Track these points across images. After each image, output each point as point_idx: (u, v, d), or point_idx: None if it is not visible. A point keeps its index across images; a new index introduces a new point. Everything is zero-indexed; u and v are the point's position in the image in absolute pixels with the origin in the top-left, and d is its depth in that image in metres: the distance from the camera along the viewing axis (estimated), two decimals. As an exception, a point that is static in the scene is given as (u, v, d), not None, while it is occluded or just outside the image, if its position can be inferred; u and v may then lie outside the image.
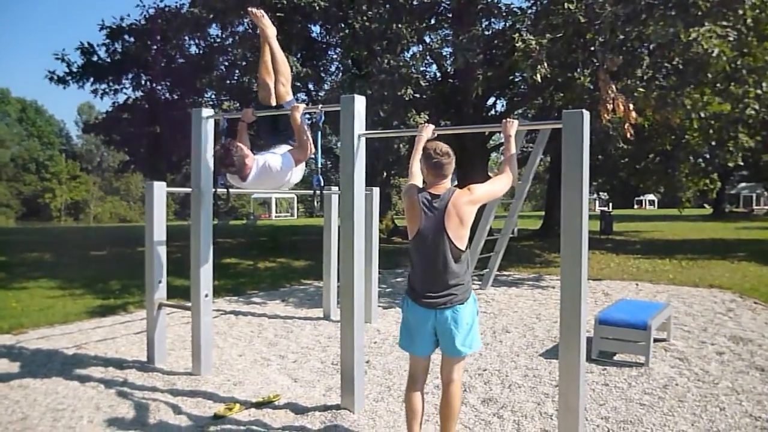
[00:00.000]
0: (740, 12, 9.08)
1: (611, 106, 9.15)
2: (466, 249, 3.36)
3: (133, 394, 4.66)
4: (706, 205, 52.86)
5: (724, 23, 9.08)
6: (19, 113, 65.17)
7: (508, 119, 3.76)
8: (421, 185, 3.51)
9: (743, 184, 54.54)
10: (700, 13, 8.93)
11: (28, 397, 4.60)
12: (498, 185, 3.50)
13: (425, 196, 3.36)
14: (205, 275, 5.09)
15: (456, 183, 3.98)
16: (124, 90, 18.71)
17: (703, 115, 10.43)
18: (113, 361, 5.65)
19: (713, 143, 14.45)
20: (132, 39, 17.66)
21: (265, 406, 4.41)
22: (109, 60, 17.89)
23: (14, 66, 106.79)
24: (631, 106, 9.35)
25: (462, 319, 3.33)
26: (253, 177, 4.37)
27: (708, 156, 17.35)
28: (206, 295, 5.10)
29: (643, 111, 10.20)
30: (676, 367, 5.37)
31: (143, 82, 18.63)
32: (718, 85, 10.52)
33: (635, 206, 68.44)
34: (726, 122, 12.60)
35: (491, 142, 17.97)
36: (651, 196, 64.02)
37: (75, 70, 17.81)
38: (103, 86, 18.32)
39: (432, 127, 3.99)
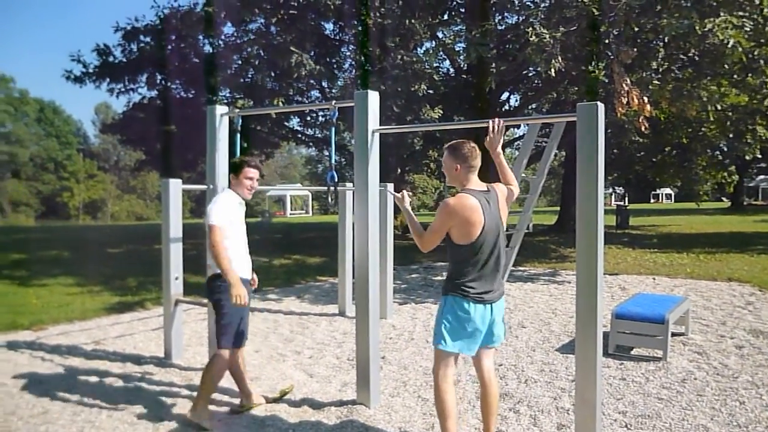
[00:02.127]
0: (756, 1, 8.95)
1: (626, 99, 9.07)
2: None
3: (150, 389, 4.71)
4: (723, 198, 52.24)
5: (740, 13, 8.96)
6: (37, 113, 65.81)
7: (494, 119, 3.60)
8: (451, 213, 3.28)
9: (762, 177, 53.71)
10: (715, 4, 8.83)
11: (49, 391, 4.67)
12: (511, 195, 3.65)
13: (476, 197, 3.28)
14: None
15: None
16: (140, 89, 18.86)
17: (719, 107, 10.31)
18: (131, 357, 5.72)
19: (730, 135, 14.30)
20: (147, 39, 17.77)
21: (282, 401, 4.43)
22: (124, 60, 18.02)
23: (33, 67, 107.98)
24: (646, 99, 9.26)
25: (503, 306, 3.54)
26: None
27: (725, 148, 17.17)
28: (254, 290, 5.12)
29: (658, 103, 10.10)
30: (695, 361, 5.33)
31: (158, 81, 18.74)
32: (735, 76, 10.40)
33: (652, 200, 67.79)
34: (743, 114, 12.46)
35: (503, 138, 17.87)
36: (668, 190, 63.31)
37: (91, 70, 17.97)
38: (120, 86, 18.47)
39: (405, 193, 3.74)
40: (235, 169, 4.17)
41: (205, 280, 4.15)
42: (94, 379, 5.01)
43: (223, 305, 3.96)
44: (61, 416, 4.16)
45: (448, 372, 3.43)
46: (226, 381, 4.90)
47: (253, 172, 4.17)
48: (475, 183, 3.39)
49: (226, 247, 3.89)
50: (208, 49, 17.21)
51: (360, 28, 13.48)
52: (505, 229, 3.48)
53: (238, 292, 3.85)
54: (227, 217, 3.99)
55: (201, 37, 16.48)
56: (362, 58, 14.01)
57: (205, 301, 5.36)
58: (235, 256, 4.01)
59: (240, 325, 4.07)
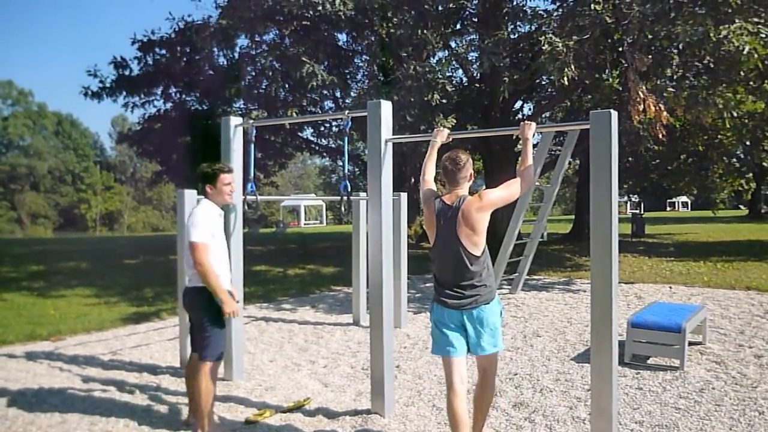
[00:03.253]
0: (772, 8, 8.91)
1: (642, 106, 9.03)
2: (483, 254, 3.41)
3: (166, 399, 4.74)
4: (741, 206, 51.61)
5: (756, 20, 8.91)
6: (55, 126, 66.79)
7: (525, 122, 3.76)
8: (435, 190, 3.64)
9: (780, 184, 53.04)
10: (730, 10, 8.79)
11: (66, 401, 4.72)
12: (511, 189, 3.51)
13: (439, 205, 3.46)
14: (236, 282, 5.15)
15: (484, 186, 3.98)
16: (155, 102, 19.10)
17: (735, 114, 10.24)
18: (147, 367, 5.76)
19: (747, 142, 14.17)
20: (163, 51, 18.01)
21: (297, 410, 4.44)
22: (140, 73, 18.27)
23: (51, 81, 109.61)
24: (662, 106, 9.22)
25: (487, 319, 3.39)
26: None
27: (742, 156, 17.00)
28: (237, 302, 5.15)
29: (674, 111, 10.05)
30: (713, 371, 5.26)
31: (173, 93, 18.97)
32: (751, 83, 10.33)
33: (668, 208, 67.15)
34: (760, 120, 12.35)
35: (519, 145, 17.85)
36: (684, 198, 62.71)
37: (108, 84, 18.22)
38: (135, 99, 18.71)
39: (446, 131, 3.98)
40: (210, 179, 4.02)
41: (186, 289, 4.01)
42: (111, 388, 5.05)
43: (208, 319, 3.86)
44: (79, 426, 4.20)
45: (452, 380, 3.41)
46: (243, 391, 4.93)
47: (229, 177, 4.09)
48: (449, 192, 3.48)
49: (211, 264, 3.83)
50: (222, 61, 17.42)
51: (373, 39, 13.57)
52: (471, 251, 3.34)
53: (231, 308, 3.84)
54: (209, 230, 3.88)
55: (215, 49, 16.66)
56: (375, 68, 14.10)
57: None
58: (219, 270, 3.91)
59: (222, 339, 4.02)
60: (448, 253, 3.40)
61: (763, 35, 8.78)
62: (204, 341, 3.89)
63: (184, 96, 19.02)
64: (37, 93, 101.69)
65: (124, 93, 18.42)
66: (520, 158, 3.77)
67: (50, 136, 66.00)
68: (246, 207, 5.22)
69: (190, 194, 5.58)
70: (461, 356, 3.44)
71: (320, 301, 9.79)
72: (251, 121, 5.39)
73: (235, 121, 5.26)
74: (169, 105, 19.13)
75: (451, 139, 4.01)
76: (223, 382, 5.18)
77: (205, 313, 3.87)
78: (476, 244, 3.35)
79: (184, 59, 17.87)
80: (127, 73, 18.27)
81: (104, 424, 4.22)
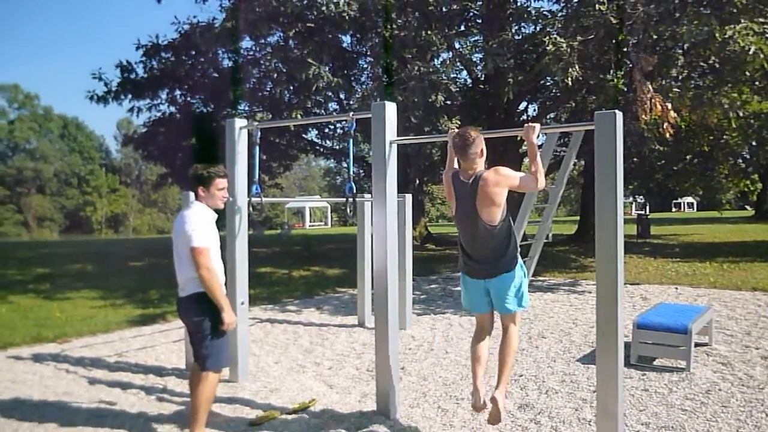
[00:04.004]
0: (778, 8, 8.87)
1: (649, 106, 9.00)
2: (501, 224, 3.63)
3: (172, 401, 4.75)
4: (747, 207, 51.41)
5: (761, 20, 8.88)
6: (61, 129, 67.11)
7: (529, 124, 3.80)
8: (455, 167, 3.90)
9: (787, 185, 52.79)
10: (735, 10, 8.76)
11: (73, 403, 4.73)
12: (523, 181, 3.69)
13: (456, 180, 3.75)
14: (241, 284, 5.17)
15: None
16: (160, 106, 19.14)
17: (741, 114, 10.20)
18: (153, 369, 5.78)
19: (753, 143, 14.11)
20: (168, 55, 18.05)
21: (302, 412, 4.45)
22: (146, 76, 18.31)
23: (56, 84, 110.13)
24: (669, 106, 9.19)
25: (508, 285, 3.75)
26: None
27: (748, 156, 16.93)
28: (242, 303, 5.17)
29: (679, 111, 10.02)
30: (719, 372, 5.24)
31: (178, 96, 19.01)
32: (757, 83, 10.29)
33: (673, 209, 66.97)
34: (766, 121, 12.29)
35: (524, 147, 17.83)
36: (689, 199, 62.49)
37: (113, 88, 18.27)
38: (141, 102, 18.76)
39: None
40: (204, 182, 3.92)
41: (181, 299, 3.90)
42: (117, 390, 5.06)
43: (211, 327, 3.76)
44: (85, 428, 4.21)
45: (477, 327, 4.02)
46: (248, 393, 4.94)
47: (224, 182, 4.00)
48: (465, 168, 3.72)
49: (216, 273, 3.78)
50: (227, 63, 17.45)
51: (377, 40, 13.57)
52: (488, 223, 3.61)
53: (231, 319, 3.76)
54: (207, 235, 3.80)
55: (220, 51, 16.69)
56: (379, 69, 14.10)
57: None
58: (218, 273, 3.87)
59: (226, 347, 3.92)
60: (468, 225, 3.70)
61: (769, 35, 8.75)
62: (207, 350, 3.78)
63: (188, 98, 19.06)
64: (42, 97, 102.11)
65: (130, 96, 18.46)
66: (527, 161, 3.81)
67: (56, 140, 66.33)
68: (251, 209, 5.23)
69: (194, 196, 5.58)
70: (486, 313, 3.95)
71: (325, 302, 9.80)
72: (256, 123, 5.41)
73: (239, 123, 5.27)
74: (173, 108, 19.18)
75: None
76: (228, 383, 5.19)
77: (208, 322, 3.76)
78: (494, 215, 3.61)
79: (189, 62, 17.91)
80: (132, 76, 18.32)
81: (110, 426, 4.23)
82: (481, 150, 3.68)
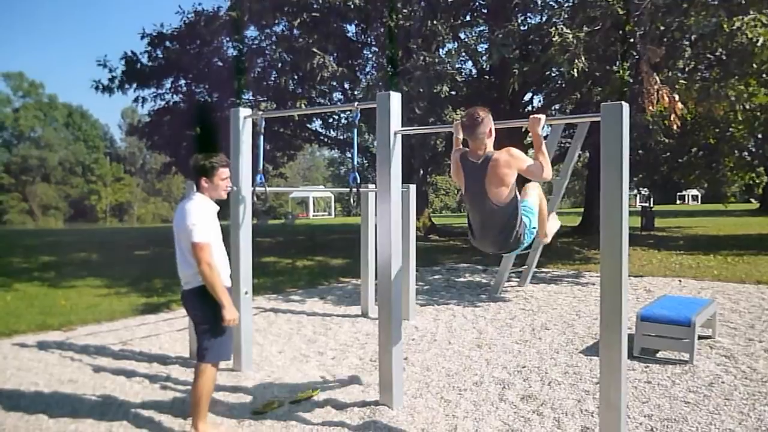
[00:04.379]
0: (787, -1, 8.80)
1: (656, 97, 8.95)
2: (509, 204, 3.66)
3: (176, 389, 4.78)
4: (752, 200, 51.24)
5: (770, 11, 8.81)
6: (66, 118, 67.17)
7: (534, 115, 3.77)
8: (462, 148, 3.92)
9: (792, 178, 52.58)
10: (743, 2, 8.68)
11: (78, 391, 4.76)
12: (531, 167, 3.68)
13: (465, 160, 3.79)
14: (245, 273, 5.18)
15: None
16: (165, 95, 19.14)
17: (748, 106, 10.14)
18: (157, 357, 5.80)
19: (759, 135, 14.03)
20: (172, 44, 18.04)
21: (305, 401, 4.46)
22: (151, 65, 18.31)
23: (61, 73, 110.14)
24: (677, 97, 9.14)
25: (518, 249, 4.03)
26: None
27: (753, 149, 16.85)
28: (246, 293, 5.18)
29: (685, 103, 9.97)
30: (722, 365, 5.24)
31: (183, 85, 19.01)
32: (764, 75, 10.21)
33: (678, 201, 66.78)
34: (773, 114, 12.22)
35: (529, 138, 17.79)
36: (694, 191, 62.33)
37: (118, 77, 18.28)
38: (146, 92, 18.78)
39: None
40: (207, 172, 3.84)
41: (185, 292, 3.87)
42: (121, 378, 5.09)
43: (214, 321, 3.71)
44: (90, 415, 4.23)
45: None
46: (251, 382, 4.96)
47: (226, 172, 3.92)
48: (474, 149, 3.74)
49: (218, 268, 3.72)
50: (232, 52, 17.43)
51: (382, 30, 13.53)
52: (495, 202, 3.65)
53: (232, 316, 3.70)
54: (208, 229, 3.74)
55: (225, 41, 16.67)
56: (384, 60, 14.06)
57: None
58: (221, 266, 3.81)
59: (228, 341, 3.90)
60: (477, 203, 3.75)
61: (777, 27, 8.68)
62: (209, 343, 3.77)
63: (193, 88, 19.06)
64: (47, 85, 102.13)
65: (135, 86, 18.47)
66: (533, 152, 3.77)
67: (61, 128, 66.40)
68: (255, 199, 5.22)
69: (199, 186, 5.59)
70: None
71: (329, 292, 9.82)
72: (260, 113, 5.39)
73: (244, 112, 5.26)
74: (178, 97, 19.18)
75: None
76: (232, 372, 5.22)
77: (211, 315, 3.73)
78: (503, 195, 3.63)
79: (194, 51, 17.89)
80: (137, 66, 18.32)
81: (114, 413, 4.25)
82: (490, 129, 3.68)
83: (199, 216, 3.72)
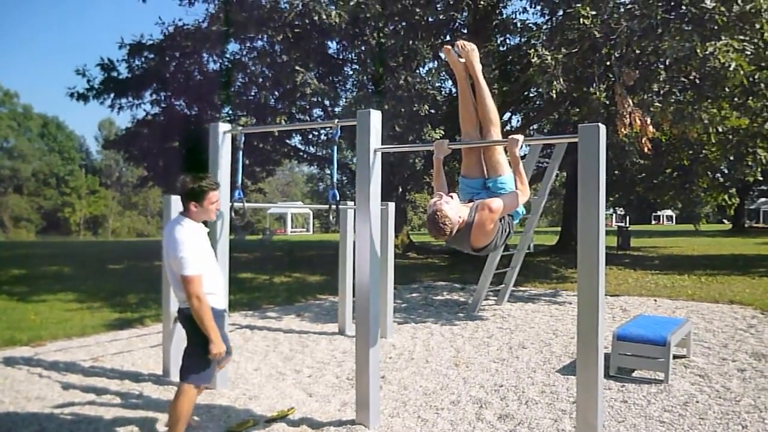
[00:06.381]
0: (757, 26, 9.03)
1: (628, 120, 9.11)
2: (495, 231, 3.66)
3: (148, 407, 4.68)
4: (725, 221, 52.23)
5: (741, 37, 9.03)
6: (40, 129, 66.18)
7: (513, 136, 3.78)
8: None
9: (763, 199, 53.76)
10: (716, 27, 8.89)
11: (45, 409, 4.64)
12: (513, 200, 3.68)
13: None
14: (223, 289, 5.10)
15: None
16: (143, 106, 18.98)
17: (720, 129, 10.35)
18: (129, 374, 5.69)
19: (731, 158, 14.32)
20: (152, 55, 17.92)
21: (280, 420, 4.40)
22: (129, 75, 18.16)
23: (36, 83, 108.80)
24: (649, 120, 9.30)
25: None
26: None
27: (726, 171, 17.20)
28: (224, 310, 5.10)
29: (660, 125, 10.15)
30: (697, 384, 5.29)
31: (162, 97, 18.87)
32: (736, 99, 10.45)
33: (653, 222, 67.80)
34: (744, 136, 12.49)
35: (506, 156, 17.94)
36: (669, 212, 63.39)
37: (95, 85, 18.08)
38: (123, 101, 18.59)
39: (446, 142, 4.03)
40: (196, 196, 3.74)
41: (180, 309, 3.80)
42: (91, 396, 4.97)
43: (202, 347, 3.63)
44: (58, 433, 4.12)
45: None
46: (226, 400, 4.88)
47: (216, 195, 3.85)
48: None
49: (207, 302, 3.60)
50: (212, 66, 17.38)
51: (364, 48, 13.61)
52: (475, 244, 3.67)
53: (218, 350, 3.61)
54: (200, 257, 3.64)
55: (205, 54, 16.62)
56: (365, 77, 14.13)
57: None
58: (213, 289, 3.74)
59: (212, 367, 3.82)
60: (463, 248, 3.72)
61: (749, 52, 8.90)
62: (194, 366, 3.70)
63: (172, 100, 18.93)
64: (22, 94, 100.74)
65: (112, 95, 18.28)
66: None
67: (35, 139, 65.40)
68: (233, 214, 5.18)
69: (176, 200, 5.51)
70: None
71: (306, 309, 9.74)
72: (240, 128, 5.37)
73: (223, 127, 5.23)
74: (157, 109, 19.03)
75: (450, 151, 4.03)
76: (207, 390, 5.12)
77: (199, 341, 3.64)
78: (489, 237, 3.64)
79: (174, 64, 17.80)
80: (114, 75, 18.14)
81: (84, 432, 4.15)
82: (458, 218, 3.54)
83: (190, 246, 3.61)
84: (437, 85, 12.47)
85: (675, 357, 5.85)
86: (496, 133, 3.94)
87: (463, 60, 4.04)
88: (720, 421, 4.35)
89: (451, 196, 3.58)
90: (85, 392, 5.07)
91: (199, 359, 3.69)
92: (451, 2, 12.79)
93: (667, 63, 9.88)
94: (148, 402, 4.83)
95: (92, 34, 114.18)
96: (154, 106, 18.95)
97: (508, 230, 3.83)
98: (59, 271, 15.14)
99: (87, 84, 18.01)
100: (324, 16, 11.45)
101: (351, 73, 17.05)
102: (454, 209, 3.50)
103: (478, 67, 4.02)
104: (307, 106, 16.13)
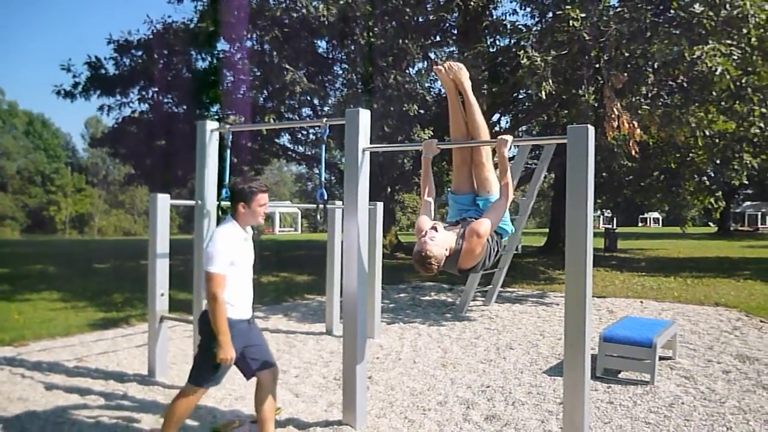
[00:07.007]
0: (744, 31, 9.10)
1: (616, 123, 9.16)
2: (481, 255, 3.64)
3: (133, 408, 4.63)
4: (710, 224, 52.71)
5: (729, 42, 9.11)
6: (26, 126, 65.47)
7: (501, 137, 3.76)
8: (430, 216, 3.85)
9: (748, 203, 54.42)
10: (704, 32, 8.96)
11: (28, 409, 4.57)
12: (499, 213, 3.67)
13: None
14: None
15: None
16: (131, 104, 18.80)
17: (707, 133, 10.42)
18: (114, 375, 5.62)
19: (718, 161, 14.43)
20: (140, 53, 17.77)
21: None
22: (116, 73, 17.99)
23: (22, 79, 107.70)
24: (636, 123, 9.36)
25: None
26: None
27: (713, 174, 17.33)
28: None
29: (647, 128, 10.21)
30: (682, 386, 5.31)
31: (149, 95, 18.71)
32: (723, 103, 10.53)
33: (639, 224, 68.33)
34: (730, 141, 12.59)
35: (495, 158, 17.98)
36: (655, 214, 63.95)
37: (82, 82, 17.88)
38: (110, 100, 18.41)
39: (435, 142, 4.02)
40: (245, 197, 3.62)
41: (201, 315, 3.71)
42: (75, 396, 4.91)
43: (212, 350, 3.51)
44: (40, 434, 4.07)
45: None
46: (212, 400, 4.83)
47: (265, 197, 3.71)
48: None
49: (224, 301, 3.49)
50: (200, 65, 17.26)
51: (354, 47, 13.57)
52: (464, 265, 3.68)
53: (225, 356, 3.45)
54: (229, 258, 3.53)
55: (193, 53, 16.51)
56: (354, 76, 14.10)
57: (191, 318, 5.32)
58: (237, 299, 3.62)
59: (222, 371, 3.68)
60: (451, 270, 3.69)
61: (736, 57, 8.97)
62: (203, 370, 3.60)
63: (160, 98, 18.77)
64: (8, 91, 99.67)
65: (98, 93, 18.09)
66: (497, 171, 3.79)
67: (20, 136, 64.66)
68: (220, 213, 5.14)
69: (163, 199, 5.48)
70: None
71: (293, 309, 9.70)
72: (228, 126, 5.33)
73: (211, 125, 5.19)
74: (144, 107, 18.86)
75: (439, 150, 4.01)
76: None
77: (209, 344, 3.55)
78: (477, 259, 3.64)
79: (162, 61, 17.65)
80: (101, 72, 17.96)
81: (66, 433, 4.09)
82: (445, 249, 3.54)
83: (224, 245, 3.52)
84: (426, 85, 12.47)
85: (661, 358, 5.88)
86: (484, 148, 3.94)
87: (452, 77, 4.05)
88: (705, 423, 4.37)
89: (436, 229, 3.54)
90: (69, 393, 5.01)
91: (205, 362, 3.58)
92: (442, 3, 12.80)
93: (656, 66, 9.94)
94: (133, 402, 4.78)
95: (80, 32, 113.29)
96: (142, 103, 18.77)
97: (496, 249, 3.82)
98: (44, 270, 14.99)
99: (72, 80, 17.80)
100: (311, 10, 11.40)
101: (340, 72, 17.01)
102: (440, 244, 3.48)
103: (468, 84, 4.06)
104: (296, 105, 16.07)
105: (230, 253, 3.54)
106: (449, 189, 4.12)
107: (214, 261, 3.47)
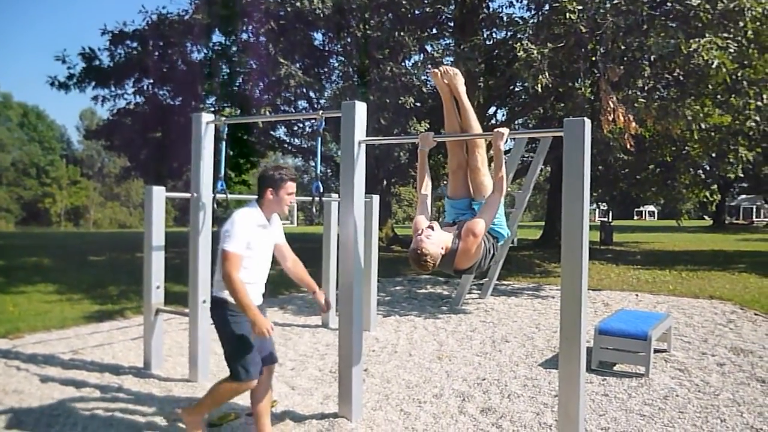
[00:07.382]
0: (741, 24, 9.10)
1: (612, 116, 9.15)
2: (478, 253, 3.66)
3: (128, 401, 4.63)
4: (705, 217, 52.88)
5: (725, 35, 9.10)
6: (20, 118, 65.11)
7: (498, 129, 3.75)
8: (426, 219, 3.79)
9: (743, 196, 54.58)
10: (700, 25, 8.95)
11: (23, 402, 4.57)
12: (493, 209, 3.68)
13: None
14: (204, 281, 5.06)
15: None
16: (126, 96, 18.69)
17: (703, 126, 10.43)
18: (109, 367, 5.62)
19: (713, 155, 14.44)
20: (135, 44, 17.65)
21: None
22: (111, 64, 17.87)
23: (16, 71, 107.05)
24: (632, 117, 9.35)
25: None
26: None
27: (708, 167, 17.36)
28: (204, 302, 5.06)
29: (643, 122, 10.21)
30: (677, 378, 5.34)
31: (145, 87, 18.61)
32: (719, 96, 10.53)
33: (635, 217, 68.51)
34: (726, 134, 12.60)
35: (490, 152, 17.96)
36: (651, 207, 64.07)
37: (76, 73, 17.77)
38: (105, 91, 18.31)
39: (431, 134, 4.01)
40: (274, 183, 3.62)
41: (212, 305, 3.72)
42: (70, 389, 4.91)
43: (229, 335, 3.56)
44: (36, 427, 4.06)
45: None
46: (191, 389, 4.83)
47: (293, 186, 3.69)
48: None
49: (241, 280, 3.47)
50: (196, 56, 17.16)
51: (350, 40, 13.51)
52: (460, 266, 3.71)
53: (261, 328, 3.42)
54: (245, 241, 3.51)
55: (189, 44, 16.41)
56: (350, 69, 14.04)
57: (187, 310, 5.31)
58: (249, 286, 3.58)
59: (256, 354, 3.64)
60: (448, 271, 3.73)
61: (732, 50, 8.96)
62: (236, 361, 3.56)
63: (156, 90, 18.67)
64: (2, 83, 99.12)
65: (93, 84, 17.99)
66: (492, 165, 3.78)
67: (15, 128, 64.32)
68: (216, 205, 5.13)
69: (158, 191, 5.46)
70: None
71: (289, 302, 9.70)
72: (223, 119, 5.31)
73: (206, 117, 5.17)
74: (140, 98, 18.76)
75: (435, 143, 4.01)
76: (188, 383, 5.09)
77: (226, 328, 3.56)
78: (473, 260, 3.66)
79: (157, 53, 17.54)
80: (96, 63, 17.84)
81: (62, 426, 4.09)
82: (441, 247, 3.55)
83: (239, 227, 3.50)
84: (423, 78, 12.42)
85: (656, 351, 5.90)
86: (480, 153, 3.95)
87: (447, 82, 4.07)
88: (699, 415, 4.39)
89: (432, 227, 3.56)
90: (64, 385, 5.00)
91: (238, 353, 3.55)
92: (438, -5, 12.74)
93: (652, 59, 9.93)
94: (128, 395, 4.77)
95: (75, 23, 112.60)
96: (137, 95, 18.67)
97: (492, 251, 3.84)
98: (39, 263, 14.94)
99: (67, 71, 17.69)
100: (306, 3, 11.34)
101: (336, 64, 16.94)
102: (435, 243, 3.51)
103: (462, 90, 4.09)
104: (292, 98, 16.01)
105: (247, 235, 3.53)
106: (446, 193, 4.11)
107: (231, 240, 3.47)
